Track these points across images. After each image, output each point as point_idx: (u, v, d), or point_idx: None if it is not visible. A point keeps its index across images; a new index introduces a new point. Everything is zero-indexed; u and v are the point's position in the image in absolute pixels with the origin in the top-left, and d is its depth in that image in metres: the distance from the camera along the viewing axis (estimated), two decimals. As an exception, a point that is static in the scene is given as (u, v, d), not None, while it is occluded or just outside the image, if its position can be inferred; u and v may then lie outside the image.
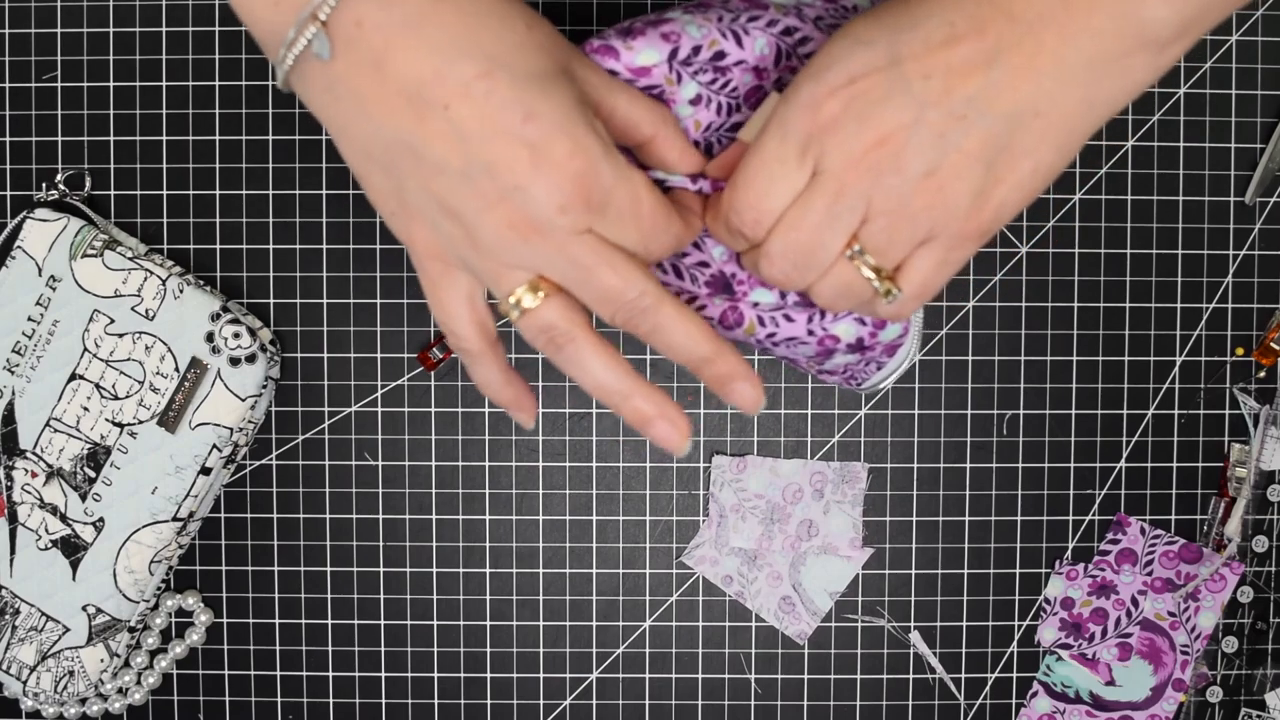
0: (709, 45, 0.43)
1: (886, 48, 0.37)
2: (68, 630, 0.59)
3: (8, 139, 0.61)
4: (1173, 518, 0.62)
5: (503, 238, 0.38)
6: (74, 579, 0.58)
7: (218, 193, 0.61)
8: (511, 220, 0.38)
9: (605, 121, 0.41)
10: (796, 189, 0.39)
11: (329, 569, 0.62)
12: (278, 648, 0.62)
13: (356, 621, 0.62)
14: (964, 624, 0.62)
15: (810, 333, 0.47)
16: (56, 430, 0.58)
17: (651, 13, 0.45)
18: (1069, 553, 0.62)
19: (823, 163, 0.38)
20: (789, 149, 0.38)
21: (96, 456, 0.58)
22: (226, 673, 0.62)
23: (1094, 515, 0.62)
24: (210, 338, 0.58)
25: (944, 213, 0.38)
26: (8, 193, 0.61)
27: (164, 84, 0.61)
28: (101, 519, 0.58)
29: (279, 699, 0.62)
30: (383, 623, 0.62)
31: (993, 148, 0.37)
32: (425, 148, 0.37)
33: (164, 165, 0.61)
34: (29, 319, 0.58)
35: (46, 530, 0.58)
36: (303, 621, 0.62)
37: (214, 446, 0.58)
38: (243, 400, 0.58)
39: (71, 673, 0.59)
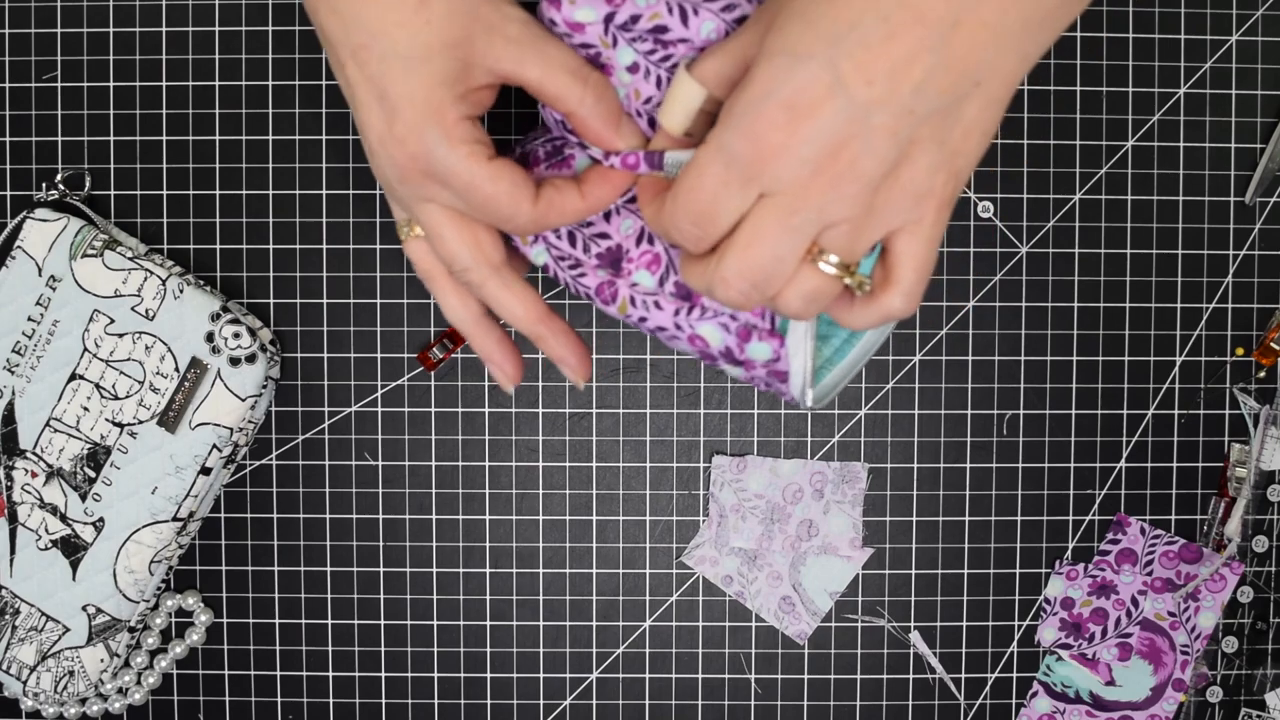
0: (650, 16, 0.42)
1: (826, 62, 0.36)
2: (68, 630, 0.59)
3: (8, 139, 0.61)
4: (1173, 518, 0.62)
5: (382, 179, 0.44)
6: (74, 579, 0.58)
7: (218, 193, 0.61)
8: (380, 171, 0.43)
9: (525, 87, 0.42)
10: (743, 209, 0.38)
11: (329, 569, 0.62)
12: (278, 648, 0.62)
13: (356, 621, 0.62)
14: (964, 624, 0.62)
15: (678, 326, 0.46)
16: (56, 430, 0.58)
17: None
18: (1069, 553, 0.62)
19: (772, 186, 0.37)
20: (733, 175, 0.38)
21: (96, 456, 0.58)
22: (226, 673, 0.62)
23: (1094, 515, 0.62)
24: (210, 338, 0.58)
25: (909, 200, 0.38)
26: (8, 193, 0.61)
27: (164, 84, 0.61)
28: (101, 519, 0.58)
29: (279, 699, 0.62)
30: (383, 623, 0.62)
31: (943, 128, 0.37)
32: (340, 79, 0.43)
33: (164, 165, 0.61)
34: (29, 319, 0.58)
35: (46, 530, 0.58)
36: (303, 621, 0.62)
37: (214, 446, 0.58)
38: (243, 400, 0.58)
39: (71, 673, 0.59)
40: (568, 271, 0.46)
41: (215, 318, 0.58)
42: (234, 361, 0.58)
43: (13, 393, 0.58)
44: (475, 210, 0.43)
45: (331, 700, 0.62)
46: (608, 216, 0.46)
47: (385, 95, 0.41)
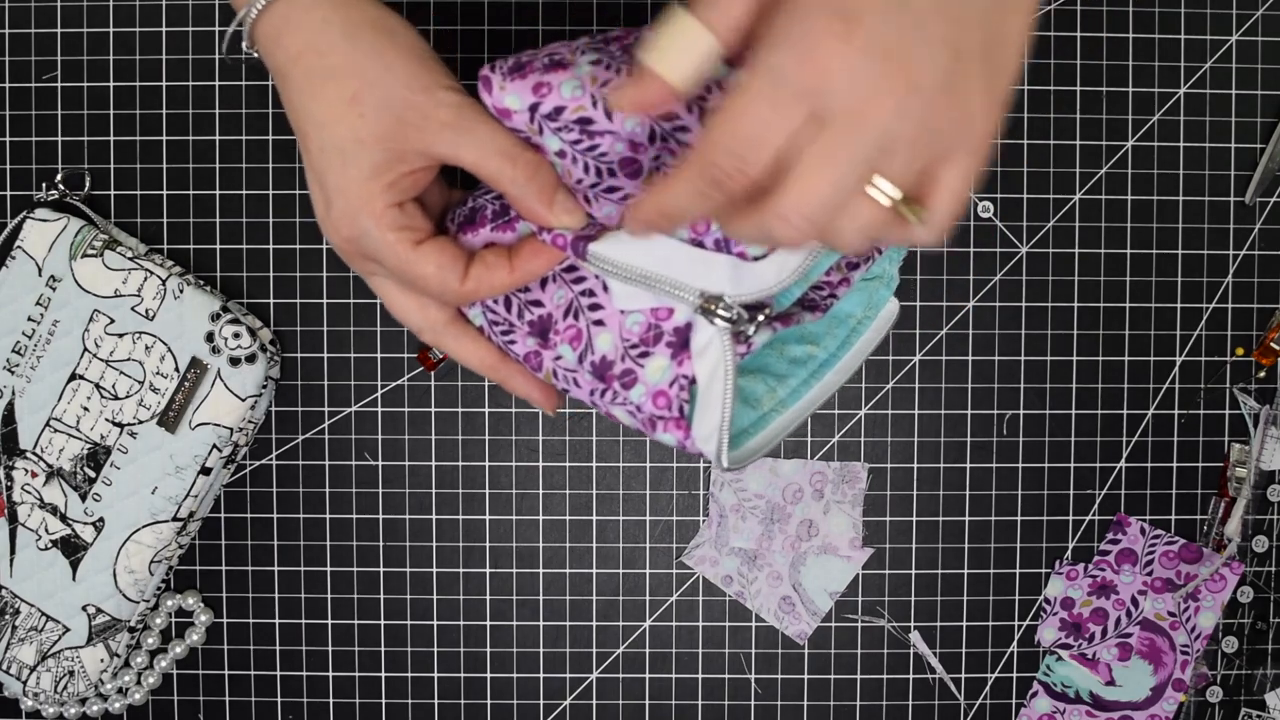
0: (573, 109, 0.42)
1: None
2: (68, 630, 0.59)
3: (8, 139, 0.61)
4: (1173, 518, 0.62)
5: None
6: (74, 579, 0.58)
7: (218, 193, 0.61)
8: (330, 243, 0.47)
9: (462, 167, 0.45)
10: (789, 133, 0.35)
11: (329, 569, 0.62)
12: (278, 648, 0.62)
13: (356, 621, 0.62)
14: (964, 624, 0.62)
15: (594, 404, 0.47)
16: (56, 430, 0.58)
17: (572, 41, 0.44)
18: (1069, 553, 0.62)
19: (827, 103, 0.34)
20: (781, 93, 0.34)
21: (96, 456, 0.58)
22: (226, 673, 0.62)
23: (1094, 515, 0.62)
24: (210, 338, 0.58)
25: (963, 124, 0.36)
26: (8, 193, 0.61)
27: (164, 84, 0.61)
28: (101, 519, 0.58)
29: (279, 699, 0.62)
30: (383, 623, 0.62)
31: (988, 42, 0.35)
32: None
33: (164, 165, 0.61)
34: (29, 319, 0.58)
35: (46, 530, 0.58)
36: (303, 621, 0.62)
37: (214, 446, 0.58)
38: (243, 400, 0.58)
39: (71, 673, 0.59)
40: (500, 336, 0.48)
41: (215, 318, 0.58)
42: (234, 361, 0.58)
43: (13, 393, 0.58)
44: (408, 286, 0.47)
45: (331, 700, 0.62)
46: (543, 284, 0.47)
47: (324, 183, 0.45)
